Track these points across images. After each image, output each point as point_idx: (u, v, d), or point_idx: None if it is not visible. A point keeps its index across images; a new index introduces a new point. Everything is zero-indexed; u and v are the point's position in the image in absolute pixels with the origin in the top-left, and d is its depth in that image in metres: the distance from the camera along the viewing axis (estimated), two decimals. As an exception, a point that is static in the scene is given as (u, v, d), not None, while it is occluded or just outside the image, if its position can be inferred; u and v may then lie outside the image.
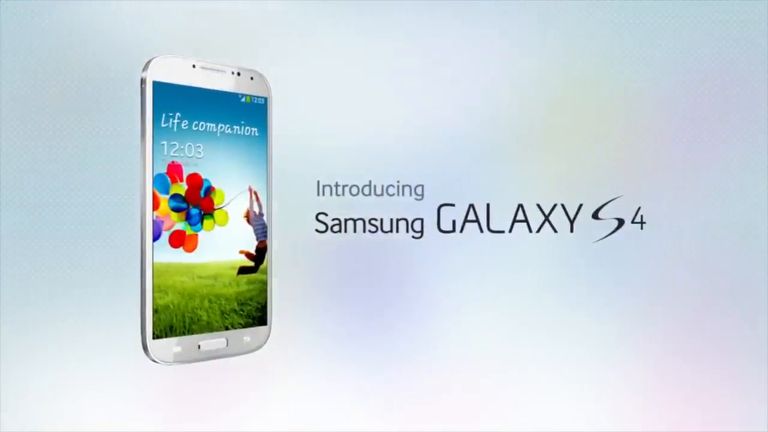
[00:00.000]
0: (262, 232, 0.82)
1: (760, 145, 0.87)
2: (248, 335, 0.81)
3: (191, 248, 0.77)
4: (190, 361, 0.77)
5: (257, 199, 0.82)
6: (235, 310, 0.80)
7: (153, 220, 0.74)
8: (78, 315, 0.80)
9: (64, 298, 0.79)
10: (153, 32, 0.80)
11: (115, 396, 0.78)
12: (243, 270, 0.81)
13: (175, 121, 0.75)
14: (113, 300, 0.78)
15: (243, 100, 0.81)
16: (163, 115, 0.74)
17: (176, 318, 0.75)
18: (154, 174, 0.74)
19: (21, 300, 0.80)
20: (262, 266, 0.82)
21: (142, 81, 0.73)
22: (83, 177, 0.78)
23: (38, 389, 0.80)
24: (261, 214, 0.82)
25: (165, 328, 0.74)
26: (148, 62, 0.74)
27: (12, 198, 0.78)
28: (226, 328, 0.79)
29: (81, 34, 0.77)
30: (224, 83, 0.79)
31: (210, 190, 0.78)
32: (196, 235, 0.77)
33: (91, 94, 0.79)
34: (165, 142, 0.74)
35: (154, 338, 0.74)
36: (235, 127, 0.80)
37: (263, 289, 0.82)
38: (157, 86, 0.74)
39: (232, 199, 0.80)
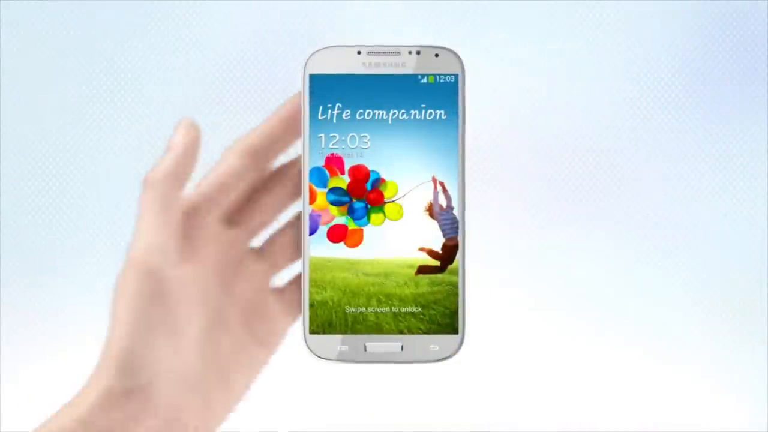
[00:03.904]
0: (451, 228, 0.71)
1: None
2: (433, 342, 0.72)
3: (355, 243, 0.73)
4: (355, 362, 0.73)
5: (444, 190, 0.71)
6: (413, 313, 0.72)
7: (309, 214, 0.73)
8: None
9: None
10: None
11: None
12: (424, 269, 0.72)
13: (335, 112, 0.73)
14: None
15: (424, 80, 0.72)
16: (321, 107, 0.73)
17: (336, 315, 0.73)
18: (311, 168, 0.73)
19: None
20: (452, 266, 0.71)
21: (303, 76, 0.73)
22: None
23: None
24: (450, 208, 0.71)
25: (323, 324, 0.73)
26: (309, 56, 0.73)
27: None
28: (401, 332, 0.72)
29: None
30: (399, 65, 0.72)
31: (378, 182, 0.72)
32: (361, 229, 0.73)
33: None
34: (323, 135, 0.73)
35: (310, 333, 0.73)
36: (412, 111, 0.72)
37: (453, 292, 0.72)
38: (314, 79, 0.73)
39: (409, 191, 0.72)
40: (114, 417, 0.62)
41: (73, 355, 0.88)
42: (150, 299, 0.63)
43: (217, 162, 0.71)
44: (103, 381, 0.62)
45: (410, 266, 0.73)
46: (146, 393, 0.63)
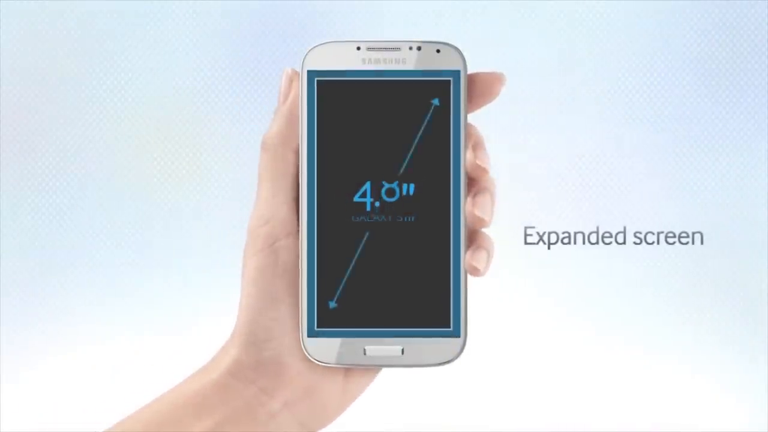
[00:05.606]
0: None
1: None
2: (434, 346, 0.72)
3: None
4: (355, 365, 0.72)
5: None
6: (414, 316, 0.72)
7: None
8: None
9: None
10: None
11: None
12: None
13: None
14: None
15: (425, 76, 0.72)
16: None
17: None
18: (310, 167, 0.73)
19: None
20: (454, 269, 0.71)
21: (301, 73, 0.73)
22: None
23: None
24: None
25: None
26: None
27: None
28: (402, 336, 0.72)
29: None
30: (399, 61, 0.72)
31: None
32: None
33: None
34: (322, 133, 0.73)
35: (308, 336, 0.72)
36: (413, 108, 0.72)
37: (455, 294, 0.71)
38: (312, 75, 0.73)
39: (409, 192, 0.72)
40: (249, 391, 0.62)
41: (73, 355, 0.87)
42: (269, 271, 0.63)
43: None
44: (232, 352, 0.62)
45: (410, 267, 0.73)
46: (276, 366, 0.63)
